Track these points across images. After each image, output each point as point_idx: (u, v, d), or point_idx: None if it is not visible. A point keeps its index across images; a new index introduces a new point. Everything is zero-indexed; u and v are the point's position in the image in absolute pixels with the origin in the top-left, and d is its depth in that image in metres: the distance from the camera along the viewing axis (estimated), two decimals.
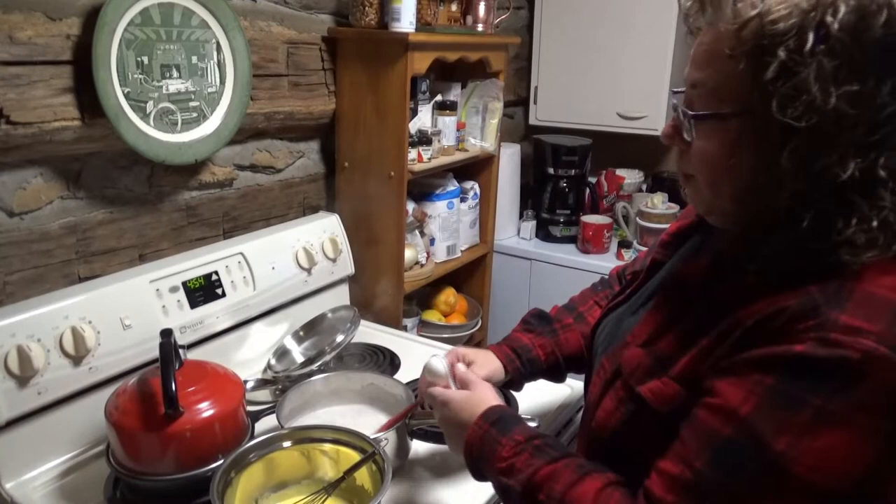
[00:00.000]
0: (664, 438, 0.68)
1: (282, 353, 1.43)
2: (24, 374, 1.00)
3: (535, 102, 2.48)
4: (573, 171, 2.37)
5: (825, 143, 0.60)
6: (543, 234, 2.40)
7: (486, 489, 1.03)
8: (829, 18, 0.58)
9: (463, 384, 0.92)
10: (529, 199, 2.49)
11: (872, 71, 0.59)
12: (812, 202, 0.63)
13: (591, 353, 0.96)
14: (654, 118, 2.22)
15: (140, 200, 1.32)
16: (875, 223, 0.62)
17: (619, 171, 2.48)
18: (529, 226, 2.41)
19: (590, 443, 0.82)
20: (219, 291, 1.31)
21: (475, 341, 2.09)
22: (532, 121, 2.50)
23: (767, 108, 0.61)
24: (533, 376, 1.08)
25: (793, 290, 0.63)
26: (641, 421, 0.74)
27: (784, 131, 0.61)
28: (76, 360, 1.07)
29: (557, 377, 1.11)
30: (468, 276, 2.13)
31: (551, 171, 2.38)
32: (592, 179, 2.49)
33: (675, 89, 0.75)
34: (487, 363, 1.03)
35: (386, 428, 1.03)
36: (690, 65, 0.71)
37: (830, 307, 0.60)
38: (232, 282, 1.33)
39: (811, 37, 0.58)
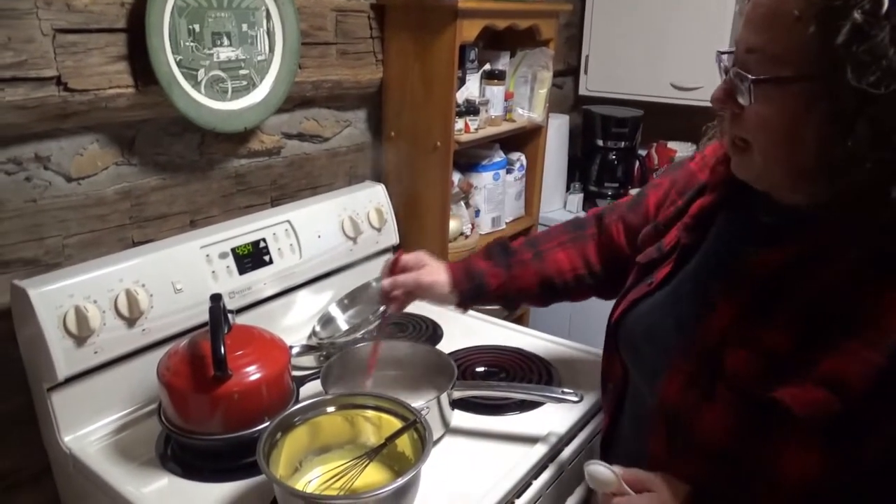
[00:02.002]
0: (793, 444, 0.66)
1: (326, 320, 1.45)
2: (82, 334, 1.04)
3: (585, 72, 2.42)
4: (623, 143, 2.32)
5: None
6: (590, 207, 2.36)
7: (527, 460, 1.03)
8: None
9: (636, 485, 0.80)
10: (577, 171, 2.45)
11: None
12: None
13: (615, 344, 0.91)
14: (709, 89, 2.10)
15: (191, 167, 1.34)
16: None
17: (671, 144, 2.41)
18: (576, 198, 2.38)
19: (684, 452, 0.77)
20: (266, 258, 1.33)
21: (518, 314, 2.09)
22: (582, 91, 2.45)
23: (841, 75, 0.58)
24: (479, 300, 1.11)
25: None
26: (763, 427, 0.69)
27: (860, 98, 0.58)
28: (130, 321, 1.10)
29: (508, 307, 1.17)
30: None
31: (600, 142, 2.33)
32: (642, 152, 2.43)
33: (722, 50, 0.70)
34: (435, 272, 1.09)
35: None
36: (746, 27, 0.67)
37: None
38: (279, 249, 1.35)
39: None
